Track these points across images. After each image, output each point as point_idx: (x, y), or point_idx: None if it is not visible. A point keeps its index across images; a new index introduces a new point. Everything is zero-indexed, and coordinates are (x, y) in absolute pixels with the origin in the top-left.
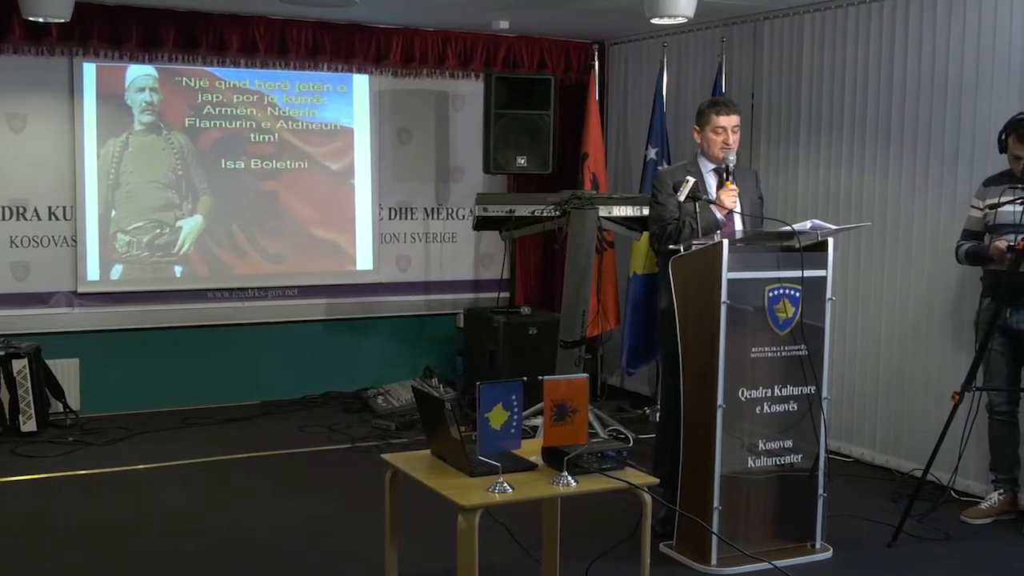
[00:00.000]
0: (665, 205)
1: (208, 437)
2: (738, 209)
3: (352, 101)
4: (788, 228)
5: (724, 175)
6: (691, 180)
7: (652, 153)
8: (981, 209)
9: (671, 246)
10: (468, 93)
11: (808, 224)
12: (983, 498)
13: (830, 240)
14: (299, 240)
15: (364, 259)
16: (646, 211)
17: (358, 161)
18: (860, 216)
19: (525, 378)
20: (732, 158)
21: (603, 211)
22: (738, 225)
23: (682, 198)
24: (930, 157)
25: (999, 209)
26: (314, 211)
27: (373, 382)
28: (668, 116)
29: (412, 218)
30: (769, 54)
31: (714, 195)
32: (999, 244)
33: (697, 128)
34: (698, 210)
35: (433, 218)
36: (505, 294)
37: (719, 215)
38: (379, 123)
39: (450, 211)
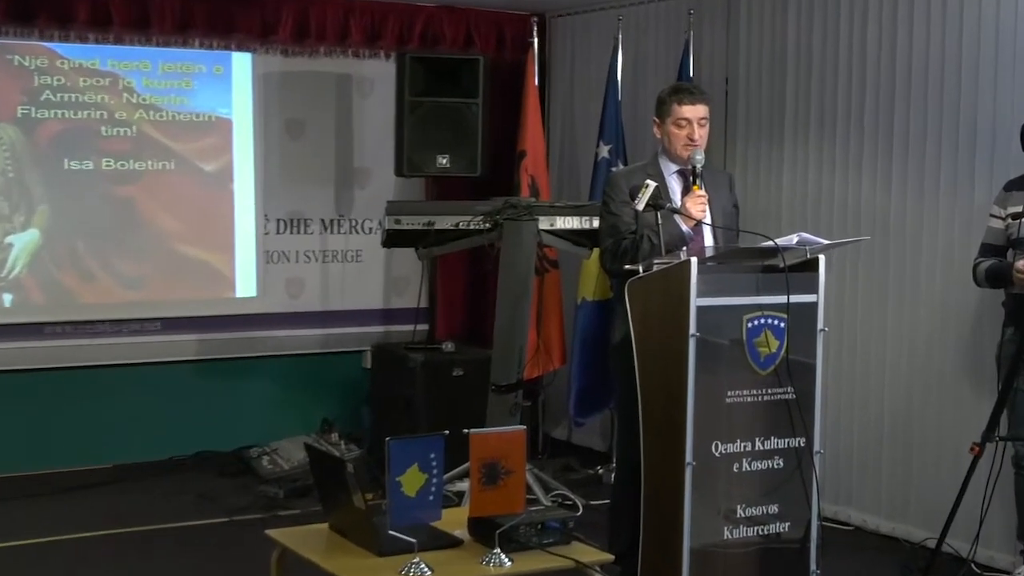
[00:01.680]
0: (619, 215)
1: (48, 511)
2: (708, 220)
3: (230, 86)
4: (770, 243)
5: (691, 178)
6: (651, 184)
7: (604, 151)
8: (1002, 219)
9: (627, 266)
10: (377, 76)
11: (794, 238)
12: (1010, 573)
13: (821, 258)
14: (163, 260)
15: (245, 284)
16: (597, 223)
17: (238, 161)
18: (857, 228)
19: (447, 432)
20: (700, 157)
21: (544, 223)
22: (708, 240)
23: (640, 207)
24: (941, 157)
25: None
26: (182, 223)
27: (257, 439)
28: (624, 106)
29: (306, 232)
30: (747, 31)
31: (679, 203)
32: (1020, 265)
33: (657, 120)
34: (660, 221)
35: (332, 232)
36: (423, 327)
37: (685, 227)
38: (264, 114)
39: (354, 223)
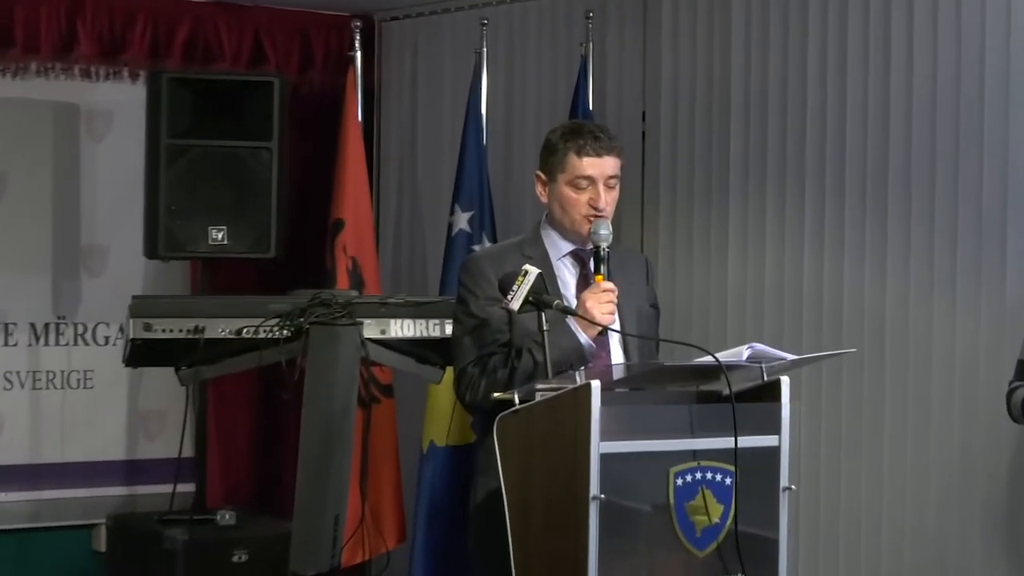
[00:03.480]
0: (483, 319)
1: None
2: (617, 325)
3: None
4: (709, 359)
5: (592, 264)
6: (532, 272)
7: (463, 220)
8: None
9: (496, 394)
10: (117, 107)
11: (745, 352)
12: None
13: (785, 381)
14: None
15: None
16: (451, 330)
17: None
18: (838, 331)
19: None
20: (606, 233)
21: (372, 328)
22: (617, 354)
23: (515, 306)
24: (958, 228)
25: None
26: None
27: None
28: (492, 154)
29: (6, 343)
30: (672, 44)
31: (573, 301)
32: None
33: (543, 177)
34: (545, 328)
35: (48, 343)
36: (187, 487)
37: (583, 337)
38: None
39: (81, 331)
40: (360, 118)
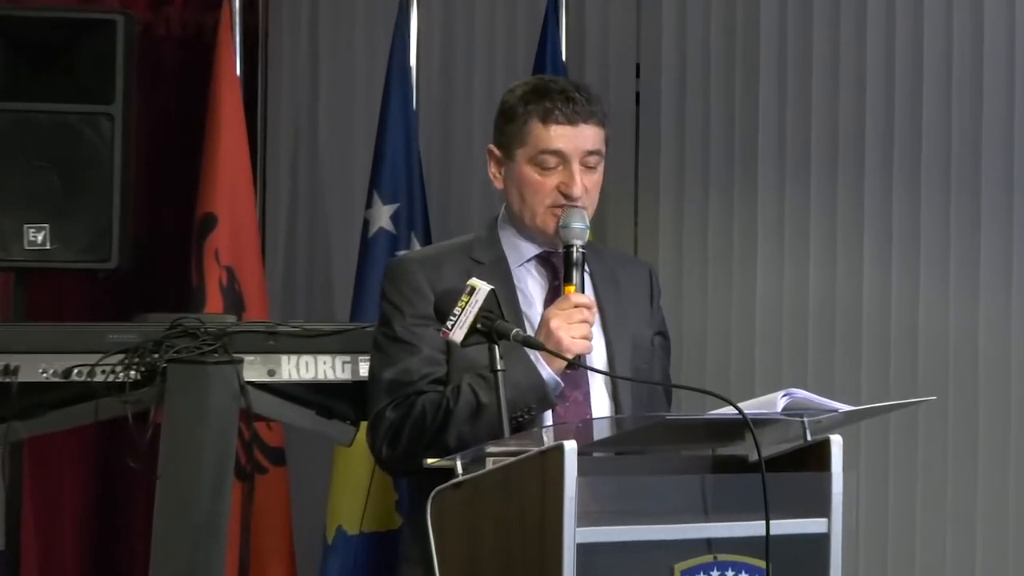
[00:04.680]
0: (414, 346)
1: None
2: (602, 358)
3: None
4: (730, 411)
5: (563, 271)
6: (481, 289)
7: (384, 216)
8: None
9: (430, 461)
10: None
11: (781, 400)
12: None
13: (836, 441)
14: None
15: None
16: (366, 368)
17: None
18: (911, 371)
19: None
20: (579, 226)
21: (255, 369)
22: (600, 398)
23: (459, 336)
24: None
25: None
26: None
27: None
28: (424, 123)
29: None
30: None
31: (535, 324)
32: None
33: (498, 154)
34: (500, 368)
35: None
36: None
37: (545, 370)
38: None
39: None
40: (239, 72)
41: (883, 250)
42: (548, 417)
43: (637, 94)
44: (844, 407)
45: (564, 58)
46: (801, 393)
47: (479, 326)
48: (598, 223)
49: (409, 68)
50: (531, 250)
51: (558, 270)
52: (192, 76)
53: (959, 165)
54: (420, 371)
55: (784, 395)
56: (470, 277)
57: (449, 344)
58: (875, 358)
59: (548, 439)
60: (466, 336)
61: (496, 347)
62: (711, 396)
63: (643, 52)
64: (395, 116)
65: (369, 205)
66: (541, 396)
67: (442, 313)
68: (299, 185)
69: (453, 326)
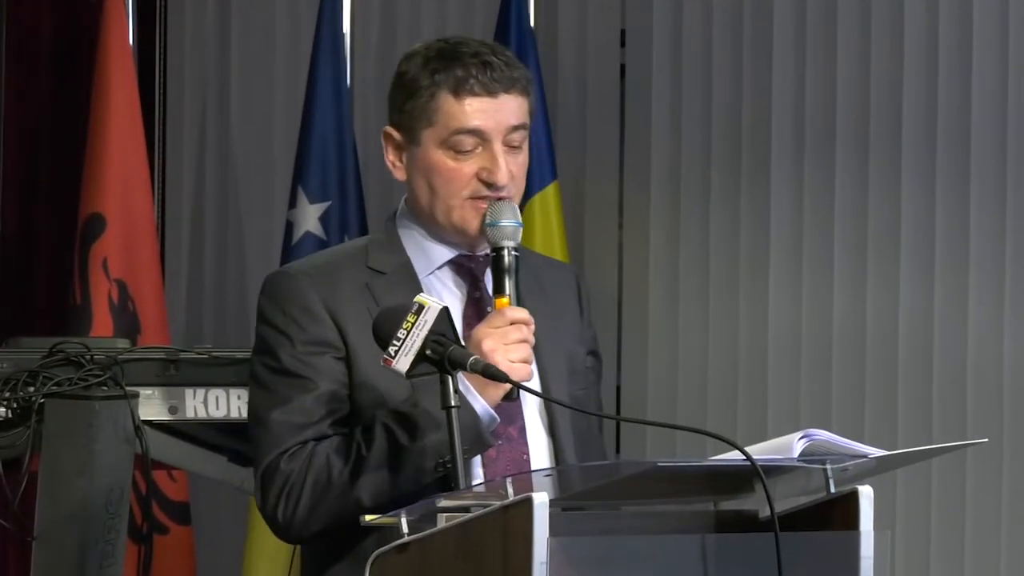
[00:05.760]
0: (306, 379)
1: None
2: (536, 383)
3: None
4: (737, 456)
5: (493, 280)
6: (432, 308)
7: (311, 217)
8: None
9: (369, 518)
10: None
11: (798, 443)
12: None
13: (866, 494)
14: None
15: None
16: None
17: None
18: (957, 408)
19: None
20: (510, 223)
21: (153, 405)
22: (536, 437)
23: (405, 365)
24: None
25: None
26: None
27: None
28: (360, 106)
29: None
30: None
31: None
32: None
33: (396, 137)
34: (454, 404)
35: None
36: None
37: (479, 403)
38: None
39: None
40: (131, 42)
41: (924, 266)
42: (477, 460)
43: (622, 67)
44: (875, 451)
45: (532, 23)
46: (823, 435)
47: (429, 352)
48: (575, 232)
49: (342, 36)
50: (444, 254)
51: (477, 278)
52: (74, 48)
53: (1016, 168)
54: (318, 411)
55: (802, 437)
56: (369, 290)
57: (350, 372)
58: (914, 393)
59: (510, 490)
60: (412, 365)
61: (450, 379)
62: (713, 438)
63: (629, 15)
64: (324, 95)
65: (293, 205)
66: (475, 436)
67: (383, 336)
68: (206, 180)
69: (397, 353)
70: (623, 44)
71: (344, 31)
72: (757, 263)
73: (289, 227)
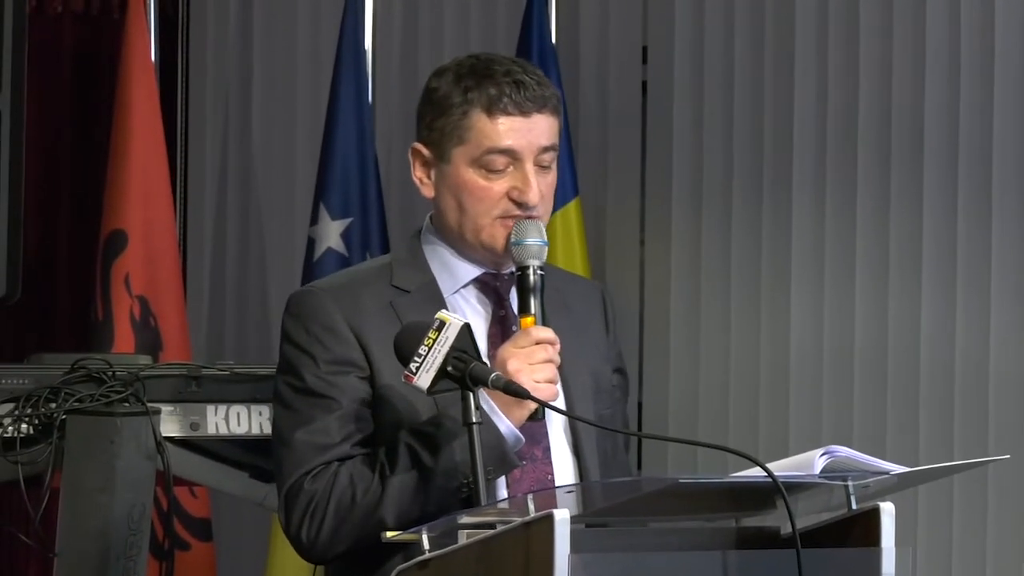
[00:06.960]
0: (331, 399)
1: None
2: (562, 402)
3: None
4: (758, 472)
5: (518, 299)
6: (453, 324)
7: (333, 233)
8: None
9: (389, 534)
10: None
11: (819, 460)
12: None
13: (887, 511)
14: None
15: None
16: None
17: None
18: (979, 422)
19: None
20: (535, 243)
21: (174, 421)
22: (561, 457)
23: (426, 382)
24: None
25: None
26: None
27: None
28: (382, 121)
29: None
30: None
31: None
32: None
33: (426, 154)
34: (475, 420)
35: None
36: None
37: (503, 423)
38: None
39: None
40: (154, 58)
41: (946, 281)
42: (501, 481)
43: (644, 84)
44: (896, 468)
45: (554, 39)
46: (844, 451)
47: (450, 369)
48: (596, 248)
49: (363, 52)
50: (469, 272)
51: (503, 297)
52: (96, 64)
53: None
54: (342, 431)
55: (823, 454)
56: (393, 308)
57: (374, 391)
58: (936, 408)
59: (531, 507)
60: (434, 381)
61: (472, 396)
62: (734, 455)
63: (651, 32)
64: (346, 112)
65: (315, 221)
66: (500, 456)
67: (405, 353)
68: (228, 197)
69: (418, 369)
70: (645, 61)
71: (366, 48)
72: (779, 279)
73: (311, 244)
